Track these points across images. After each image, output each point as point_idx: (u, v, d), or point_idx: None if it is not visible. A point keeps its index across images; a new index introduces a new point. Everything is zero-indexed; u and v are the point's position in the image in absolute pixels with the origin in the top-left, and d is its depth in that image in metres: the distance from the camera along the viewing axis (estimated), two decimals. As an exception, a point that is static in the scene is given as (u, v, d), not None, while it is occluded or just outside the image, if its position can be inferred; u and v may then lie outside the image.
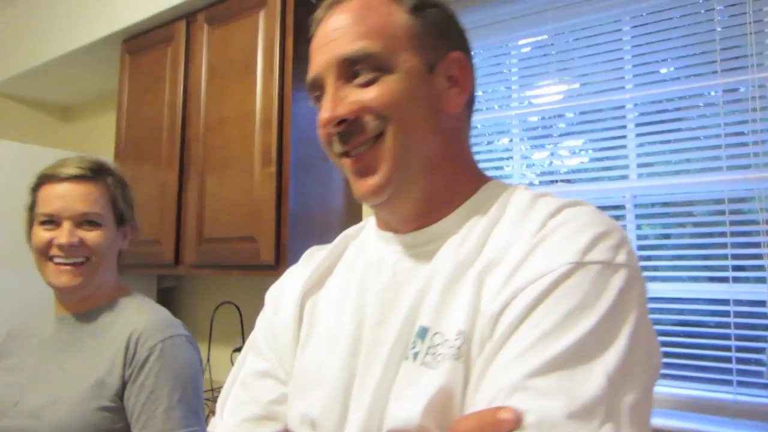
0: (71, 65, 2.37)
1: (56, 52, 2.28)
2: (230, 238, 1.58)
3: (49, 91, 2.75)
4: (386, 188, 0.64)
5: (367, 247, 0.75)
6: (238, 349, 1.95)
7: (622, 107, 1.48)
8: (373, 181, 0.64)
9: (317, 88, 0.66)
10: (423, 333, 0.60)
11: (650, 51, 1.43)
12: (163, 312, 1.17)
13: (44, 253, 1.11)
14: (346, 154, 0.66)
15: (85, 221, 1.11)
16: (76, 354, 1.11)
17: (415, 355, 0.59)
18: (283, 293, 0.79)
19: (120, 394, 1.07)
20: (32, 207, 1.15)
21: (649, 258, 1.45)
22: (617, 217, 1.39)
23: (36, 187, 1.14)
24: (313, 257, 0.80)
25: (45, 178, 1.13)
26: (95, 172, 1.13)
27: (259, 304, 1.94)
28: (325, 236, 1.55)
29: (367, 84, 0.63)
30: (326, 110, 0.64)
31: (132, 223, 1.21)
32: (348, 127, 0.64)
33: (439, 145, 0.66)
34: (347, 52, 0.63)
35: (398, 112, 0.63)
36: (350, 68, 0.63)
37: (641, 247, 1.44)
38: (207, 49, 1.73)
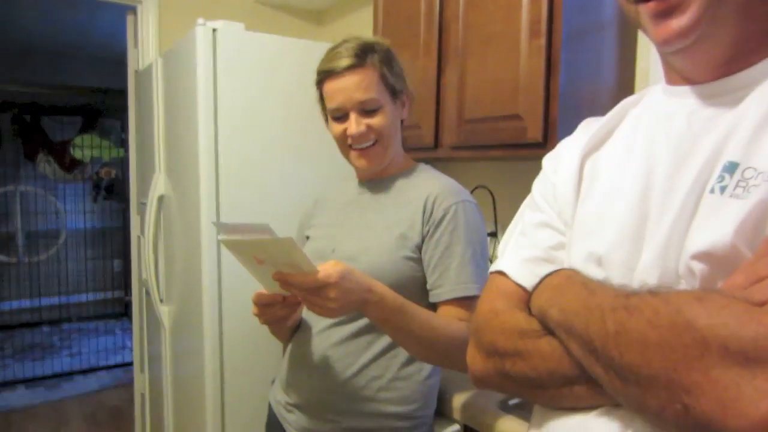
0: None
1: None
2: (493, 118, 1.56)
3: (304, -3, 2.93)
4: (695, 29, 0.59)
5: (652, 106, 0.73)
6: (491, 234, 1.98)
7: None
8: (680, 22, 0.59)
9: None
10: (732, 168, 0.58)
11: None
12: (453, 180, 1.27)
13: (343, 143, 1.25)
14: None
15: (366, 109, 1.19)
16: (378, 212, 1.25)
17: (723, 188, 0.58)
18: (561, 156, 0.82)
19: (419, 247, 1.18)
20: (321, 101, 1.26)
21: None
22: None
23: (319, 83, 1.24)
24: (591, 125, 0.81)
25: (324, 75, 1.22)
26: (361, 57, 1.18)
27: (513, 189, 1.93)
28: (594, 113, 1.45)
29: None
30: None
31: (406, 91, 1.27)
32: None
33: None
34: None
35: None
36: None
37: None
38: None
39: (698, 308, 0.50)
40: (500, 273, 0.78)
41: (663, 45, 0.63)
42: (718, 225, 0.56)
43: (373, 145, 1.22)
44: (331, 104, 1.22)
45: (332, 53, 1.21)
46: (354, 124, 1.19)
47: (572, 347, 0.61)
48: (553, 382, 0.65)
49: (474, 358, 0.75)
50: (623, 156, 0.72)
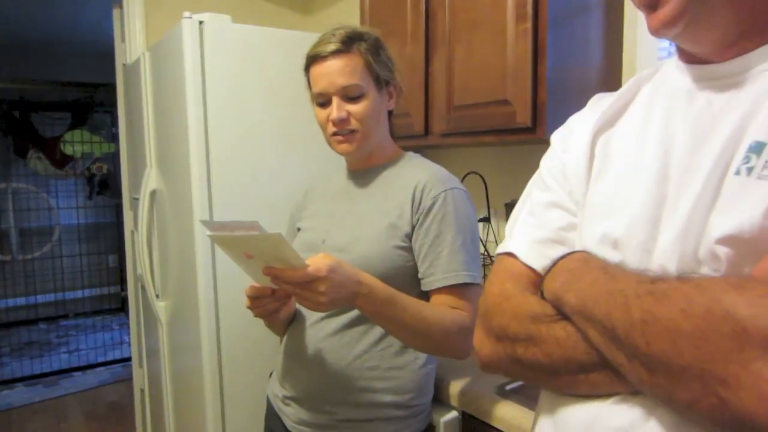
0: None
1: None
2: (482, 103, 1.56)
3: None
4: (680, 18, 0.58)
5: (667, 83, 0.70)
6: (483, 219, 1.99)
7: None
8: (664, 11, 0.59)
9: None
10: (759, 148, 0.55)
11: None
12: (442, 168, 1.27)
13: (326, 129, 1.24)
14: None
15: (349, 95, 1.19)
16: (367, 202, 1.26)
17: (749, 170, 0.55)
18: (571, 133, 0.78)
19: (409, 236, 1.18)
20: (309, 87, 1.26)
21: None
22: None
23: (306, 68, 1.24)
24: (602, 101, 0.78)
25: (310, 59, 1.23)
26: (347, 44, 1.18)
27: (505, 175, 1.93)
28: (583, 96, 1.45)
29: None
30: None
31: (394, 82, 1.26)
32: None
33: None
34: None
35: None
36: None
37: None
38: None
39: (737, 297, 0.48)
40: (509, 254, 0.76)
41: (654, 34, 0.62)
42: (745, 207, 0.54)
43: (352, 132, 1.22)
44: (315, 88, 1.22)
45: (321, 39, 1.22)
46: (335, 109, 1.19)
47: (591, 334, 0.59)
48: (568, 369, 0.63)
49: (482, 342, 0.72)
50: (638, 134, 0.69)
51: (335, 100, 1.19)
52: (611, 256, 0.65)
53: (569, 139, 0.78)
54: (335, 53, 1.18)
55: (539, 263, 0.72)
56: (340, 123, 1.20)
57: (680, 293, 0.51)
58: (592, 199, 0.71)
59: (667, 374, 0.51)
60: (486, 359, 0.72)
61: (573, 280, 0.64)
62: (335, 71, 1.18)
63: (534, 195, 0.79)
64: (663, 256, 0.60)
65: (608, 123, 0.74)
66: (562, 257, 0.68)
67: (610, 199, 0.68)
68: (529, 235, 0.75)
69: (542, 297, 0.68)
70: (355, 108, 1.20)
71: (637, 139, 0.69)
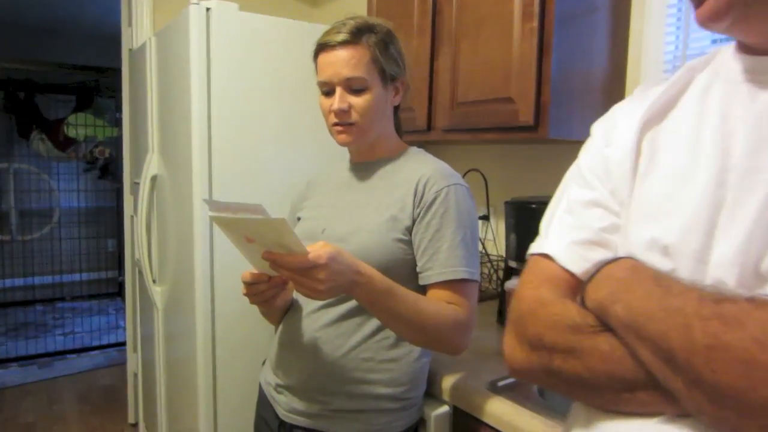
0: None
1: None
2: (485, 101, 1.56)
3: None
4: (726, 11, 0.54)
5: (724, 75, 0.64)
6: (483, 217, 1.99)
7: None
8: (709, 5, 0.54)
9: None
10: None
11: None
12: (445, 163, 1.26)
13: (328, 118, 1.25)
14: None
15: (352, 87, 1.19)
16: (369, 194, 1.26)
17: None
18: (615, 125, 0.72)
19: (410, 230, 1.19)
20: (317, 74, 1.26)
21: None
22: None
23: (315, 56, 1.25)
24: (648, 92, 0.72)
25: (319, 47, 1.23)
26: (356, 35, 1.18)
27: (506, 172, 1.92)
28: (586, 97, 1.47)
29: None
30: None
31: (401, 78, 1.26)
32: None
33: None
34: None
35: None
36: None
37: None
38: None
39: None
40: (545, 256, 0.70)
41: (700, 26, 0.58)
42: None
43: (351, 125, 1.21)
44: (320, 77, 1.22)
45: (332, 27, 1.22)
46: (337, 100, 1.19)
47: (642, 353, 0.54)
48: (612, 386, 0.58)
49: (514, 350, 0.67)
50: (692, 130, 0.63)
51: (338, 91, 1.19)
52: (661, 263, 0.59)
53: (613, 132, 0.71)
54: (343, 44, 1.18)
55: (578, 267, 0.67)
56: (341, 114, 1.20)
57: (754, 319, 0.46)
58: (638, 200, 0.65)
59: (736, 408, 0.47)
60: (518, 367, 0.67)
61: (621, 290, 0.58)
62: (341, 62, 1.18)
63: (572, 191, 0.72)
64: (720, 269, 0.55)
65: (657, 116, 0.67)
66: (607, 263, 0.63)
67: (659, 201, 0.62)
68: (567, 235, 0.69)
69: (582, 305, 0.63)
70: (357, 101, 1.20)
71: (690, 135, 0.63)
